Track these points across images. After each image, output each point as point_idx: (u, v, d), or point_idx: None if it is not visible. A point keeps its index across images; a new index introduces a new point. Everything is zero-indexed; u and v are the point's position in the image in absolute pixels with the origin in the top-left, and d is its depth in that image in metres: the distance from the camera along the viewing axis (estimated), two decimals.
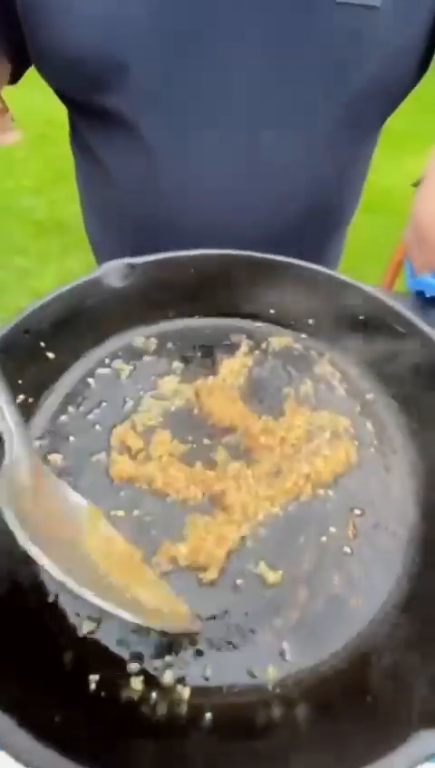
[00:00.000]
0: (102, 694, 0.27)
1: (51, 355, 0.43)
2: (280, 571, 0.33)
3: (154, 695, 0.28)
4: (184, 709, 0.27)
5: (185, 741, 0.26)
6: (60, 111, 0.59)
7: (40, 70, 0.52)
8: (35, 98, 0.80)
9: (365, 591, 0.32)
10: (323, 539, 0.35)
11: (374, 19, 0.45)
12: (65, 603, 0.31)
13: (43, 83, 0.54)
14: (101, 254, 0.70)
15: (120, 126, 0.51)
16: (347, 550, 0.34)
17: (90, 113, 0.53)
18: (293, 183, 0.55)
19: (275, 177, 0.54)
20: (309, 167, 0.54)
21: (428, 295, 0.54)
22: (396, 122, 0.63)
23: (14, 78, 0.54)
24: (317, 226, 0.62)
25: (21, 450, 0.29)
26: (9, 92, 0.56)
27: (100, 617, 0.30)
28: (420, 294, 0.55)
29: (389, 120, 0.59)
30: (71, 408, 0.42)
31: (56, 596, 0.31)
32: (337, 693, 0.27)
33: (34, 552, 0.25)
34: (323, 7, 0.44)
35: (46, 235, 1.99)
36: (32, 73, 0.54)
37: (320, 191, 0.58)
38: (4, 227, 1.98)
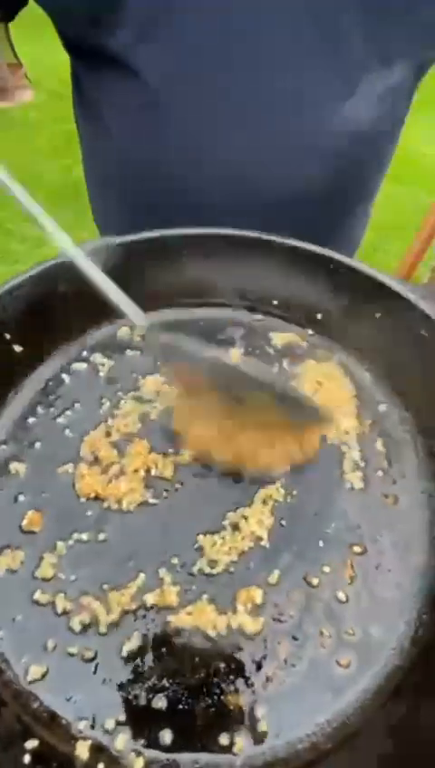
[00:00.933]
0: None
1: (18, 348, 0.38)
2: (261, 619, 0.28)
3: (102, 766, 0.24)
4: None
5: None
6: None
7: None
8: (48, 54, 0.75)
9: (359, 651, 0.27)
10: (315, 580, 0.30)
11: None
12: (8, 645, 0.27)
13: (56, 39, 0.48)
14: (103, 227, 0.64)
15: (123, 73, 0.44)
16: (341, 596, 0.29)
17: (93, 61, 0.47)
18: (316, 145, 0.47)
19: (296, 136, 0.46)
20: (335, 126, 0.46)
21: None
22: (430, 82, 0.54)
23: (8, 16, 0.49)
24: (338, 201, 0.54)
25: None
26: (22, 49, 0.52)
27: (48, 666, 0.26)
28: None
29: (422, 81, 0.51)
30: (40, 409, 0.38)
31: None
32: None
33: None
34: None
35: (60, 202, 1.92)
36: (43, 29, 0.49)
37: (344, 159, 0.50)
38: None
